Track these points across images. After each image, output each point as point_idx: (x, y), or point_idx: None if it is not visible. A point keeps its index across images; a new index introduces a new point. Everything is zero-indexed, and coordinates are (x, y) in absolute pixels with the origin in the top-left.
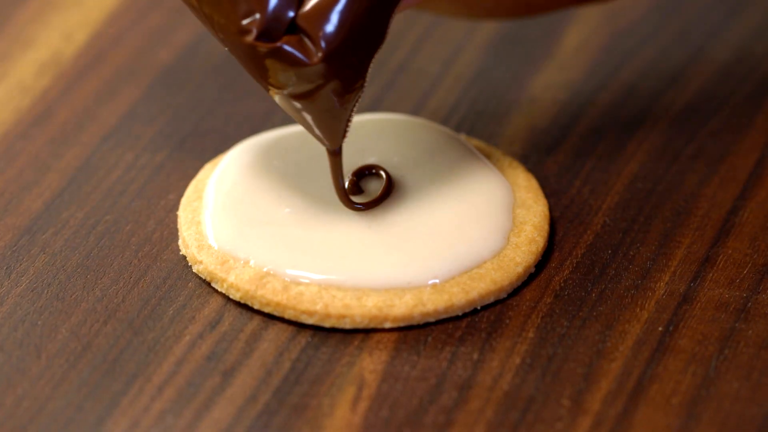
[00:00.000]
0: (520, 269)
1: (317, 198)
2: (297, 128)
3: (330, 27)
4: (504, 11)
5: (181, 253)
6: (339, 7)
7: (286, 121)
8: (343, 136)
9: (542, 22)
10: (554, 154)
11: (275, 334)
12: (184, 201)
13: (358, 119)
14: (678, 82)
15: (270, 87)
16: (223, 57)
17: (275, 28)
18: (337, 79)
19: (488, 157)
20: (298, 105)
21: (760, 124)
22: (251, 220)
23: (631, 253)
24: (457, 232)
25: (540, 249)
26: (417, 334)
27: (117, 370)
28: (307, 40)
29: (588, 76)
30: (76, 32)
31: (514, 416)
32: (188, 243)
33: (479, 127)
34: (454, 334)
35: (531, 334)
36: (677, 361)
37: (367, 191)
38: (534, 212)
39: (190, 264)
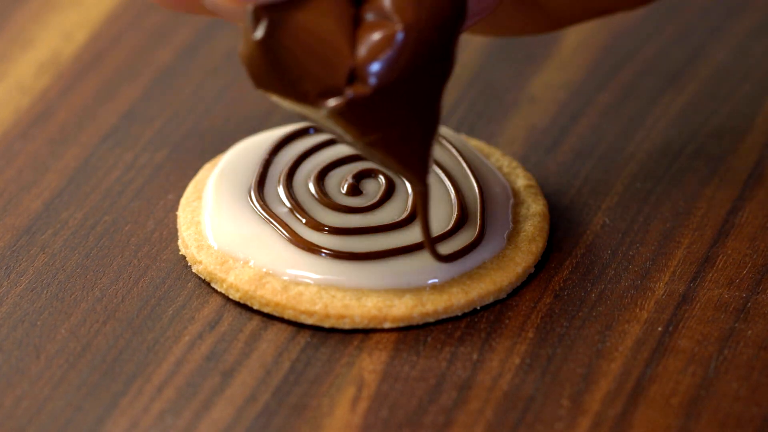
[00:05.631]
0: (519, 269)
1: (317, 197)
2: (297, 128)
3: (380, 65)
4: (533, 28)
5: (180, 253)
6: (395, 44)
7: (286, 120)
8: (428, 171)
9: None
10: (554, 154)
11: (274, 334)
12: (183, 201)
13: None
14: (678, 82)
15: (347, 140)
16: (223, 57)
17: (334, 82)
18: (404, 117)
19: (488, 157)
20: (378, 152)
21: (760, 124)
22: (251, 220)
23: (631, 253)
24: (457, 232)
25: (539, 249)
26: (416, 334)
27: (116, 371)
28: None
29: (588, 76)
30: (76, 32)
31: (514, 416)
32: (188, 243)
33: (479, 127)
34: (453, 334)
35: (530, 335)
36: (677, 361)
37: (366, 192)
38: (533, 212)
39: (189, 264)
